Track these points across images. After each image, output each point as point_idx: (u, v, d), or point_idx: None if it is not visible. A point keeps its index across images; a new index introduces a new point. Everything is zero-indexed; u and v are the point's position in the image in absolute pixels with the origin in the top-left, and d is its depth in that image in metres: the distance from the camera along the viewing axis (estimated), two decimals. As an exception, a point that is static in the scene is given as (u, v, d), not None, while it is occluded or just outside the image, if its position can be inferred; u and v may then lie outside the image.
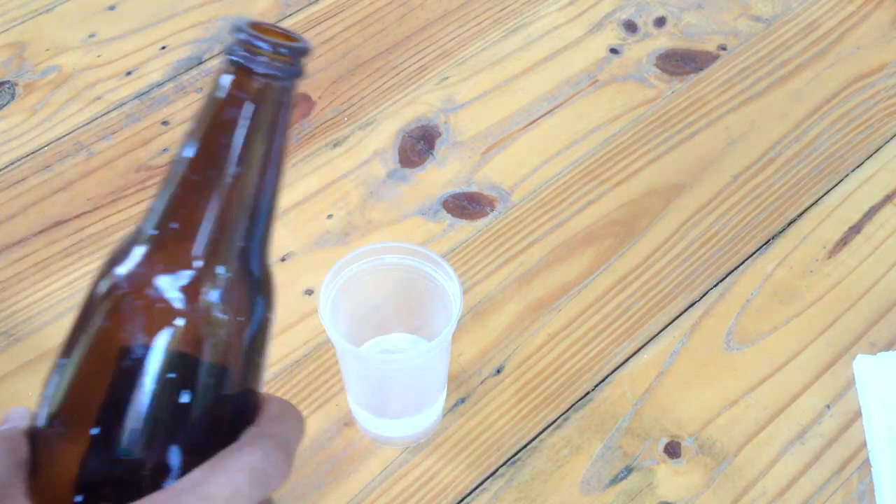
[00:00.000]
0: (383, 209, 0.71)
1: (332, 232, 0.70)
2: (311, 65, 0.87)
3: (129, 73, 0.80)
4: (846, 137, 0.76)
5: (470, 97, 0.78)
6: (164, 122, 0.77)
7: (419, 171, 0.74)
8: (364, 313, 0.58)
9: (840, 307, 0.66)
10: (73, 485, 0.31)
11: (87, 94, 0.79)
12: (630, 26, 0.83)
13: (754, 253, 0.69)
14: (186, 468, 0.30)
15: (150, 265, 0.31)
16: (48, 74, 0.80)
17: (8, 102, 0.78)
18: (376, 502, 0.58)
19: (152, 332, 0.31)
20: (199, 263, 0.31)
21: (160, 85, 0.79)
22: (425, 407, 0.59)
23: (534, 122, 0.77)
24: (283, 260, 0.68)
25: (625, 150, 0.75)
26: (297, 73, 0.32)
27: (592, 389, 0.63)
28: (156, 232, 0.32)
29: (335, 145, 0.75)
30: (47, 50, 0.82)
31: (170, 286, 0.31)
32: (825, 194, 0.72)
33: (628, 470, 0.59)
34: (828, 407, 0.62)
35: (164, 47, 0.82)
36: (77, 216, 0.71)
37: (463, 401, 0.62)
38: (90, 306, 0.32)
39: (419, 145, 0.75)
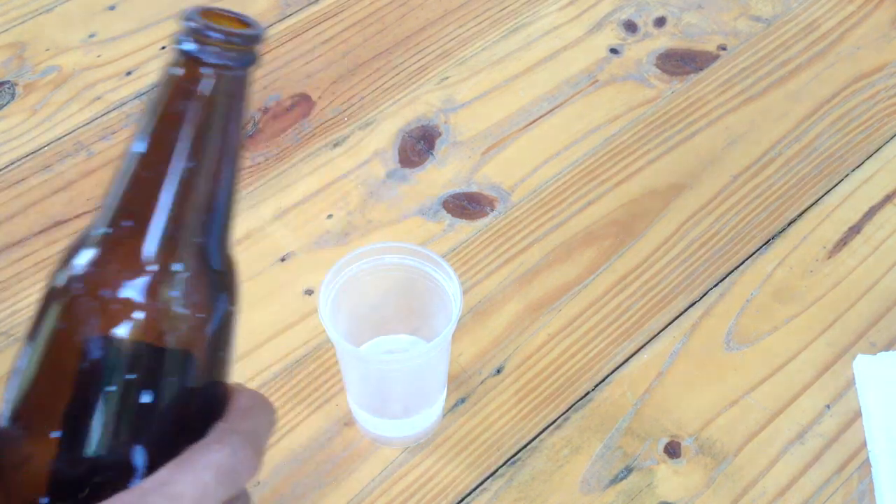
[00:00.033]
0: (383, 209, 0.71)
1: (332, 232, 0.70)
2: (310, 65, 0.87)
3: (129, 73, 0.80)
4: (846, 137, 0.76)
5: (470, 97, 0.78)
6: (164, 122, 0.77)
7: (419, 171, 0.74)
8: (364, 313, 0.58)
9: (840, 307, 0.66)
10: (37, 486, 0.31)
11: (87, 94, 0.79)
12: (630, 26, 0.83)
13: (754, 253, 0.69)
14: (153, 466, 0.30)
15: (105, 265, 0.31)
16: (48, 74, 0.80)
17: (8, 102, 0.78)
18: (376, 502, 0.58)
19: (108, 333, 0.30)
20: (155, 262, 0.31)
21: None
22: (425, 407, 0.59)
23: (534, 122, 0.77)
24: (283, 260, 0.68)
25: (625, 150, 0.75)
26: (250, 61, 0.31)
27: (592, 389, 0.63)
28: (110, 230, 0.31)
29: (335, 145, 0.75)
30: (47, 50, 0.82)
31: (125, 286, 0.30)
32: (825, 194, 0.72)
33: (628, 470, 0.59)
34: (828, 407, 0.62)
35: (164, 47, 0.82)
36: (77, 216, 0.71)
37: (463, 401, 0.62)
38: (45, 308, 0.31)
39: (419, 145, 0.75)
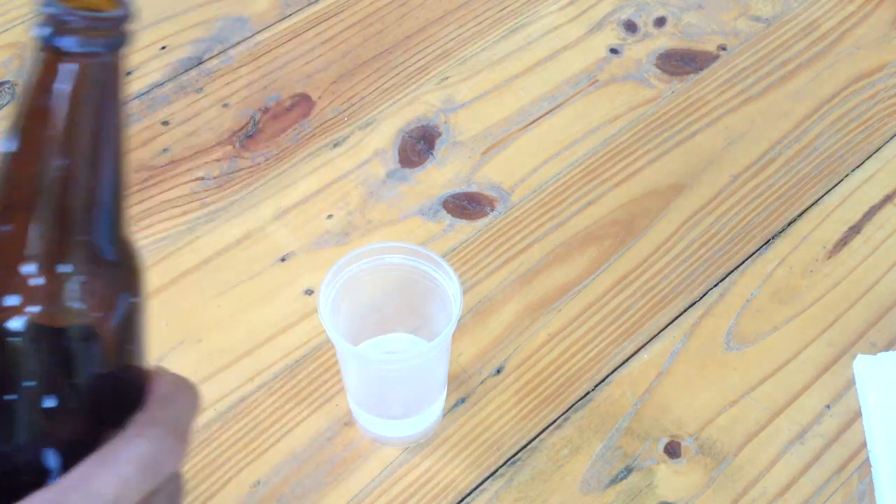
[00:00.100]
0: (383, 209, 0.71)
1: (332, 232, 0.70)
2: (310, 65, 0.87)
3: (129, 73, 0.80)
4: (846, 137, 0.76)
5: (470, 97, 0.78)
6: (164, 122, 0.77)
7: (419, 171, 0.74)
8: (364, 313, 0.58)
9: (840, 307, 0.66)
10: None
11: (87, 94, 0.79)
12: (630, 26, 0.84)
13: (754, 253, 0.69)
14: (71, 463, 0.29)
15: None
16: (48, 74, 0.80)
17: (8, 102, 0.78)
18: (376, 502, 0.58)
19: (3, 342, 0.29)
20: (41, 265, 0.29)
21: (160, 85, 0.79)
22: (425, 407, 0.59)
23: (534, 122, 0.77)
24: (283, 260, 0.68)
25: (625, 150, 0.75)
26: (117, 44, 0.28)
27: (592, 389, 0.63)
28: None
29: (335, 145, 0.75)
30: (47, 50, 0.82)
31: (13, 293, 0.29)
32: (825, 194, 0.72)
33: (628, 470, 0.59)
34: (828, 407, 0.62)
35: (164, 47, 0.82)
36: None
37: (463, 401, 0.62)
38: None
39: (419, 145, 0.75)
